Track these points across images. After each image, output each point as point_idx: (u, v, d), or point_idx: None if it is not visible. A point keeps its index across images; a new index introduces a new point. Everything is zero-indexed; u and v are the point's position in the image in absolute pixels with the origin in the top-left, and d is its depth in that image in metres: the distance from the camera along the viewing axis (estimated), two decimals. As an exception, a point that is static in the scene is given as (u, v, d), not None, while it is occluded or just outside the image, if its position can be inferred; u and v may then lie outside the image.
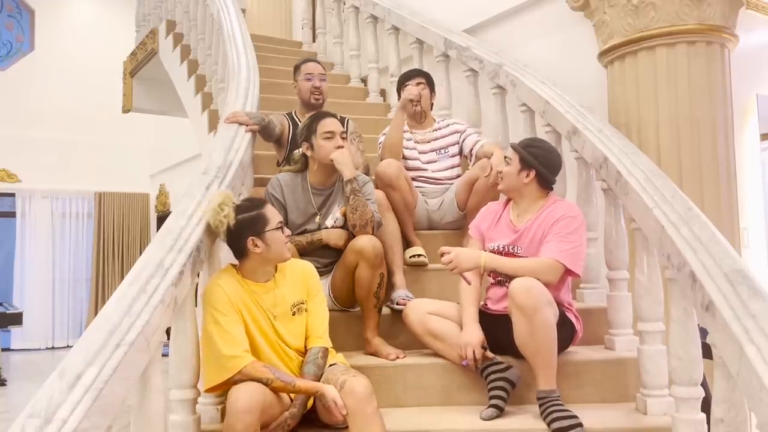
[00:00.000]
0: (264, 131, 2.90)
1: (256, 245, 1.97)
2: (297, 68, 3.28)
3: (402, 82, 3.19)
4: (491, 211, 2.45)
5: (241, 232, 1.96)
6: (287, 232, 2.06)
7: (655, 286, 2.13)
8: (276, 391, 1.88)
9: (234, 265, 2.05)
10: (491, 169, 2.78)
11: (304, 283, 2.11)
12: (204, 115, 4.18)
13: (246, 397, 1.77)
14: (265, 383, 1.85)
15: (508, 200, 2.42)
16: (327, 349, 2.07)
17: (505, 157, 2.37)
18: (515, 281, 2.08)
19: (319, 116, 2.55)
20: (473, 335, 2.20)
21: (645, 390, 2.12)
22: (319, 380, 1.96)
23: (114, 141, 9.87)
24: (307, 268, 2.16)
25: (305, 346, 2.07)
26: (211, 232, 1.98)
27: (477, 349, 2.18)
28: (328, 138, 2.48)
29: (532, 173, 2.29)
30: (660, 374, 2.09)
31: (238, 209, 1.99)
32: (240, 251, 2.00)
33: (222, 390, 1.93)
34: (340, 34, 5.09)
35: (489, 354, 2.21)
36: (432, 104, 3.25)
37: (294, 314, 2.05)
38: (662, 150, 2.73)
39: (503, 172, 2.35)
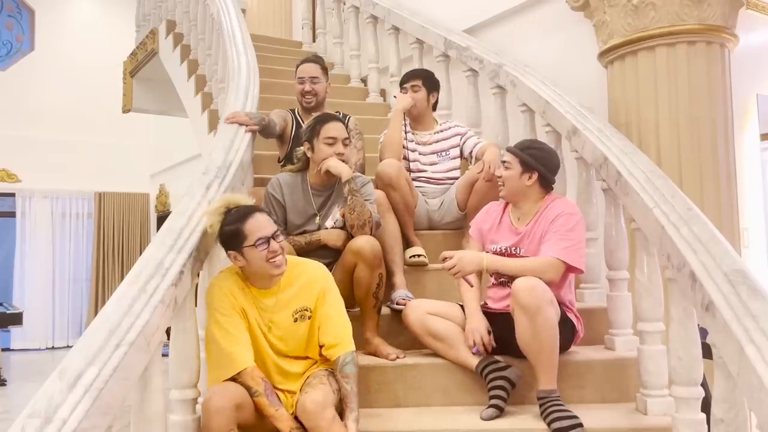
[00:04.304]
0: (264, 131, 2.90)
1: (236, 258, 1.93)
2: (295, 70, 3.25)
3: (400, 86, 3.21)
4: (492, 212, 2.44)
5: (223, 244, 1.95)
6: (273, 246, 1.90)
7: (655, 286, 2.13)
8: (256, 405, 1.87)
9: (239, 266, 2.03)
10: (484, 165, 2.78)
11: (312, 289, 2.02)
12: (204, 115, 4.18)
13: (218, 397, 1.78)
14: (250, 393, 1.85)
15: (508, 202, 2.42)
16: (352, 352, 1.99)
17: (504, 162, 2.34)
18: (518, 281, 2.08)
19: (325, 119, 2.54)
20: (478, 322, 2.24)
21: (645, 390, 2.12)
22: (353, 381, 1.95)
23: (114, 141, 9.87)
24: (320, 271, 2.08)
25: (320, 354, 2.04)
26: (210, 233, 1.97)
27: (484, 335, 2.21)
28: (330, 144, 2.48)
29: (535, 175, 2.29)
30: (660, 374, 2.09)
31: (225, 220, 1.91)
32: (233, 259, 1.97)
33: None
34: (340, 34, 5.09)
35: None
36: (434, 103, 3.24)
37: (296, 321, 1.99)
38: (662, 150, 2.73)
39: (504, 177, 2.32)
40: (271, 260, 1.90)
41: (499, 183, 2.35)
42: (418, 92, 3.14)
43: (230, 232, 1.90)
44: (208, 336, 1.93)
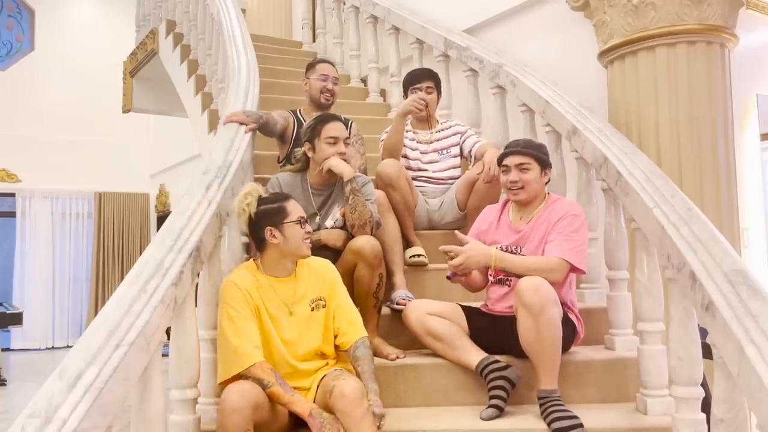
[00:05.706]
0: (264, 128, 2.90)
1: (273, 236, 2.02)
2: (312, 66, 3.25)
3: (410, 83, 3.14)
4: (489, 214, 2.45)
5: (260, 222, 2.04)
6: (308, 228, 2.09)
7: (655, 286, 2.13)
8: (270, 397, 1.89)
9: (255, 261, 2.09)
10: (484, 166, 2.78)
11: (323, 280, 2.14)
12: (204, 115, 4.18)
13: (235, 396, 1.79)
14: (263, 386, 1.87)
15: (507, 201, 2.42)
16: (363, 337, 2.08)
17: (521, 165, 2.28)
18: (523, 280, 2.08)
19: (325, 119, 2.55)
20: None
21: (645, 390, 2.12)
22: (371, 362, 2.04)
23: (114, 141, 9.88)
24: (327, 265, 2.19)
25: (336, 344, 2.11)
26: (212, 231, 1.98)
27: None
28: (331, 143, 2.48)
29: (549, 172, 2.32)
30: (660, 374, 2.09)
31: (262, 201, 2.07)
32: (260, 242, 2.06)
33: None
34: (340, 34, 5.09)
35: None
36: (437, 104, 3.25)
37: (312, 309, 2.08)
38: (662, 150, 2.73)
39: (524, 180, 2.27)
40: (305, 239, 2.06)
41: (518, 186, 2.28)
42: (431, 93, 3.14)
43: (274, 208, 2.06)
44: (219, 329, 1.97)
